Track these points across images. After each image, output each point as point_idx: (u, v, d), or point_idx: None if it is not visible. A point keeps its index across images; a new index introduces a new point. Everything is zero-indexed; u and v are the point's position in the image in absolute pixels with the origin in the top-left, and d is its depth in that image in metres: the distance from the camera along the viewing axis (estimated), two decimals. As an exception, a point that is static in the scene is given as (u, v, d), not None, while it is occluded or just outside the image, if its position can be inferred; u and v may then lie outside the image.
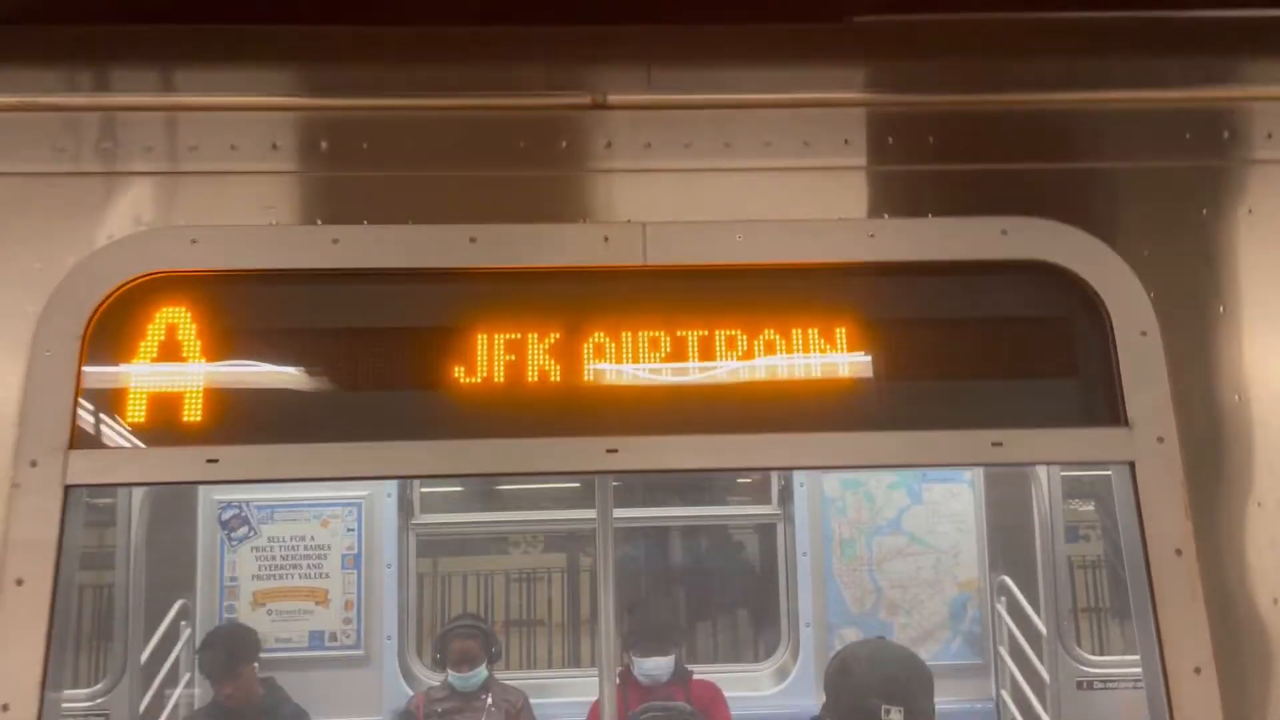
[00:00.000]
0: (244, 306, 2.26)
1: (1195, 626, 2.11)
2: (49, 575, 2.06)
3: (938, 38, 2.40)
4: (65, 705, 5.66)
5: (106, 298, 2.22)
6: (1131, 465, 2.20)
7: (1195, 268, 2.32)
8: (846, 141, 2.38)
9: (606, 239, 2.29)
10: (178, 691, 5.79)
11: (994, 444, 2.20)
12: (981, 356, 2.29)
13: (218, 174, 2.30)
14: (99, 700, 5.78)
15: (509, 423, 2.19)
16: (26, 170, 2.28)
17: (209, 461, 2.14)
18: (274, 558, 6.20)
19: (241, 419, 2.20)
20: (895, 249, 2.31)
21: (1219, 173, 2.38)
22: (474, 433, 2.18)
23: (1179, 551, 2.15)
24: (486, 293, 2.28)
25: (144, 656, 5.71)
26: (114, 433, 2.18)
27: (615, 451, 2.17)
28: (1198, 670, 2.08)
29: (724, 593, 7.39)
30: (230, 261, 2.26)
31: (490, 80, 2.36)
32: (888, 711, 2.42)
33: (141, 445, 2.18)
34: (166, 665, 5.90)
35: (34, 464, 2.11)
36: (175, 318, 2.24)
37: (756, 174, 2.35)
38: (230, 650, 5.38)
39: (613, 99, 2.35)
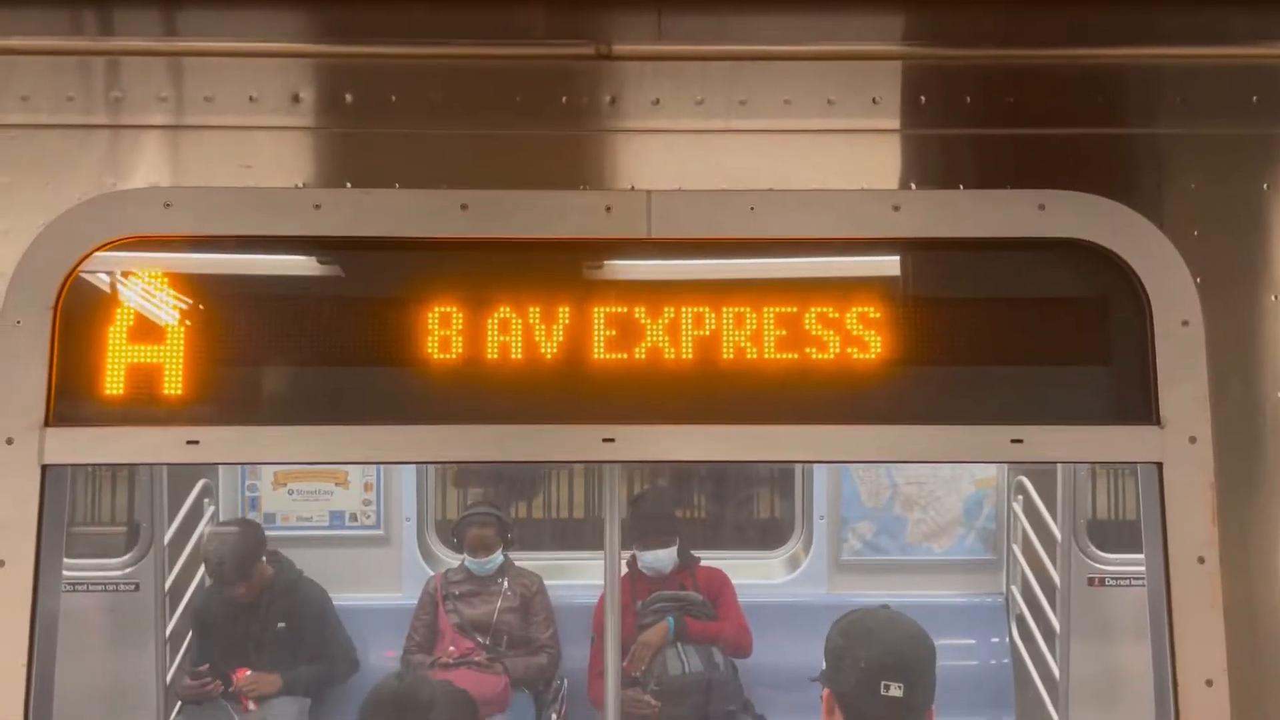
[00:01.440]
0: (220, 276, 2.13)
1: (1211, 637, 2.03)
2: (30, 556, 2.02)
3: None
4: (99, 574, 5.82)
5: (76, 265, 2.10)
6: (1159, 466, 2.07)
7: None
8: (875, 100, 2.16)
9: (608, 208, 2.12)
10: (203, 568, 5.94)
11: (1014, 440, 2.08)
12: (1006, 343, 2.14)
13: (192, 128, 2.13)
14: (128, 570, 5.95)
15: (500, 407, 2.09)
16: None
17: (189, 443, 2.06)
18: (293, 440, 6.23)
19: (222, 397, 2.11)
20: (920, 224, 2.13)
21: None
22: (461, 417, 2.08)
23: (1201, 559, 2.05)
24: (478, 265, 2.13)
25: (169, 534, 5.84)
26: (91, 409, 2.09)
27: (611, 441, 2.07)
28: (1209, 683, 2.02)
29: (739, 483, 7.42)
30: (206, 226, 2.12)
31: (484, 25, 2.15)
32: (887, 687, 2.38)
33: (120, 422, 2.09)
34: (191, 541, 6.03)
35: (10, 442, 2.04)
36: (150, 286, 2.12)
37: (774, 136, 2.15)
38: (238, 555, 5.45)
39: (619, 49, 2.14)
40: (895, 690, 2.39)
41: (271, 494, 6.21)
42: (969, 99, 2.15)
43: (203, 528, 6.14)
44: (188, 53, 2.14)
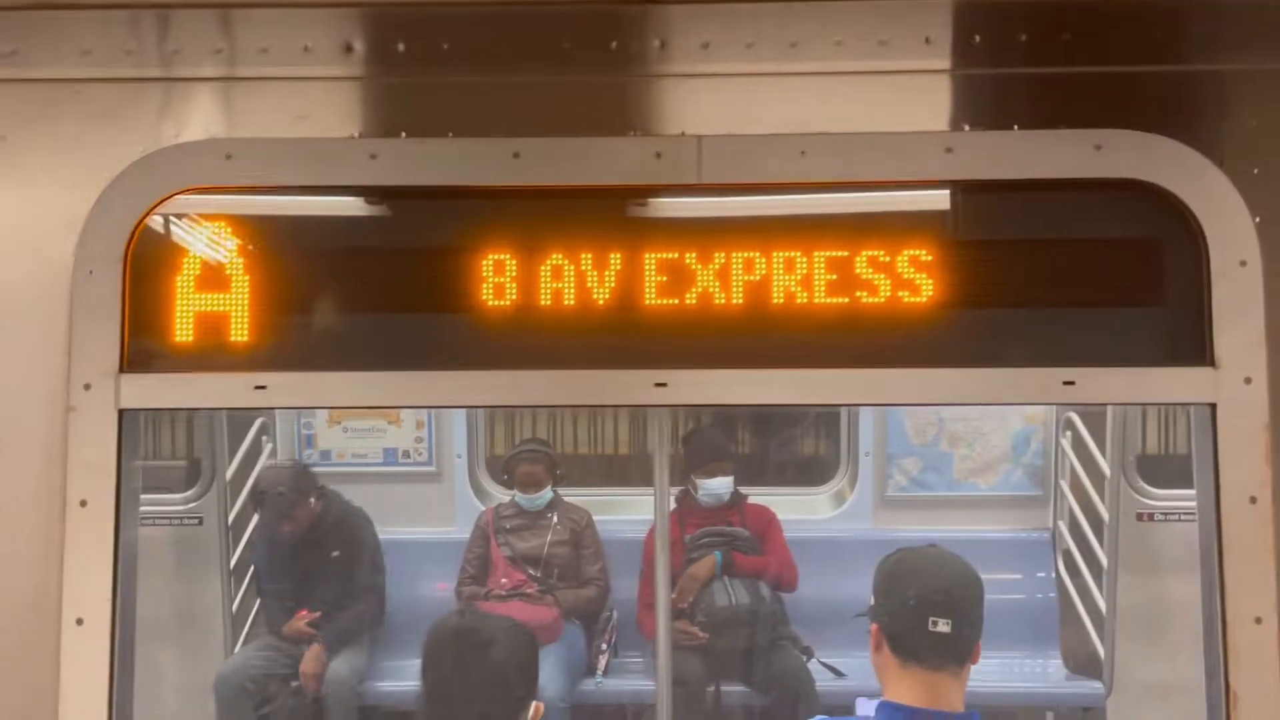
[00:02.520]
0: (281, 225, 2.19)
1: (1262, 575, 2.05)
2: (111, 496, 2.12)
3: None
4: (163, 509, 6.01)
5: (144, 216, 2.16)
6: (1213, 407, 2.07)
7: None
8: (928, 40, 2.14)
9: (659, 154, 2.13)
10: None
11: (1066, 382, 2.09)
12: (1059, 285, 2.13)
13: (248, 80, 2.17)
14: (192, 505, 6.16)
15: (554, 352, 2.13)
16: (55, 76, 2.17)
17: (257, 388, 2.13)
18: (346, 380, 6.36)
19: (286, 343, 2.17)
20: (974, 166, 2.11)
21: None
22: (516, 362, 2.12)
23: (1254, 499, 2.05)
24: (531, 213, 2.16)
25: (230, 471, 6.01)
26: (162, 356, 2.17)
27: (664, 385, 2.11)
28: (1259, 620, 2.04)
29: (784, 421, 7.45)
30: (266, 177, 2.17)
31: None
32: (934, 623, 2.43)
33: (190, 368, 2.17)
34: (251, 478, 6.21)
35: (88, 387, 2.13)
36: (214, 236, 2.18)
37: (825, 79, 2.14)
38: (287, 495, 5.58)
39: None
40: (943, 626, 2.43)
41: (326, 431, 6.36)
42: (1023, 37, 2.12)
43: (262, 463, 6.32)
44: (241, 4, 2.17)
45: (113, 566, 2.11)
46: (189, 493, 6.22)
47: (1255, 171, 2.09)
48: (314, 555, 5.57)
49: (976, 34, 2.13)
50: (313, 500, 5.60)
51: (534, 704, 2.37)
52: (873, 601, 2.59)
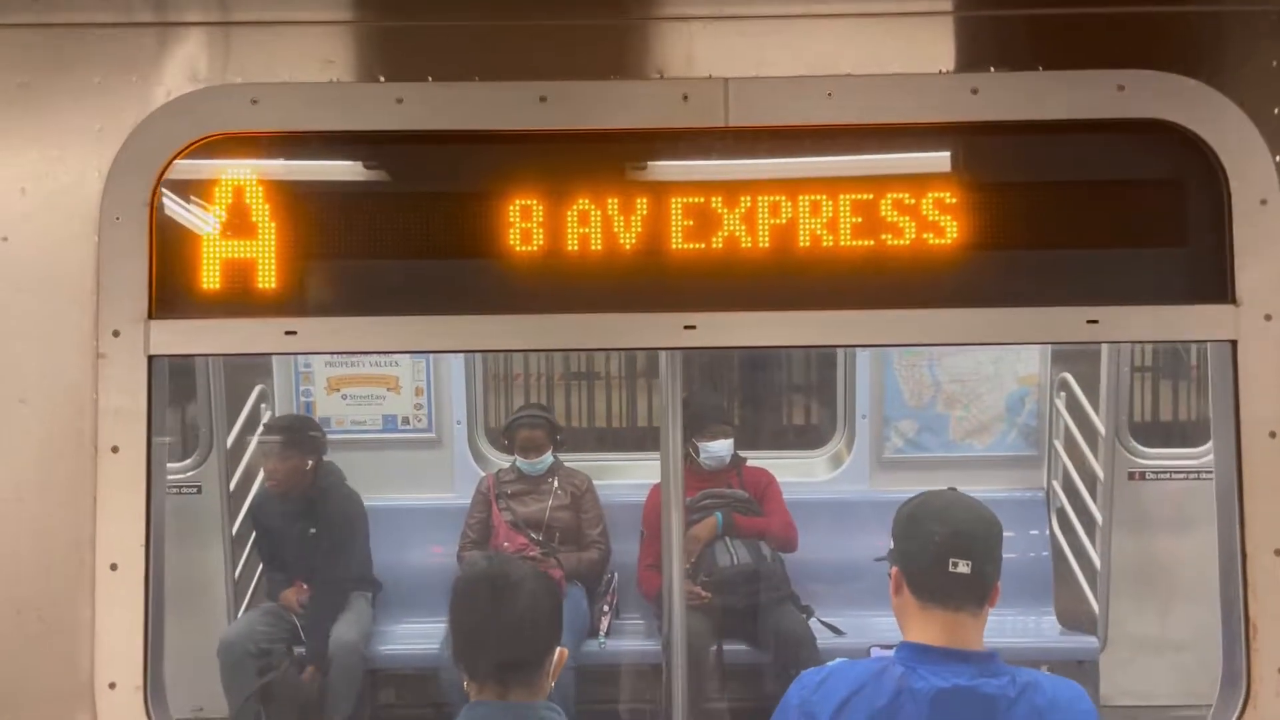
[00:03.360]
0: (307, 170, 2.18)
1: None
2: (143, 442, 2.12)
3: None
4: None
5: (169, 161, 2.15)
6: (1234, 344, 2.11)
7: None
8: None
9: (686, 97, 2.14)
10: (262, 473, 6.12)
11: (1089, 321, 2.12)
12: (1084, 225, 2.16)
13: (273, 24, 2.16)
14: (190, 473, 6.15)
15: (583, 296, 2.14)
16: (79, 21, 2.15)
17: (287, 333, 2.14)
18: (345, 346, 6.34)
19: (314, 288, 2.17)
20: (1000, 107, 2.13)
21: None
22: (545, 306, 2.14)
23: (1273, 434, 2.09)
24: (557, 157, 2.16)
25: (230, 439, 6.00)
26: (191, 302, 2.17)
27: (693, 328, 2.12)
28: (1278, 552, 2.08)
29: (782, 381, 7.49)
30: (292, 122, 2.16)
31: None
32: (955, 564, 2.46)
33: (219, 314, 2.17)
34: (250, 447, 6.20)
35: (116, 334, 2.13)
36: (241, 183, 2.17)
37: (851, 20, 2.15)
38: (279, 431, 5.64)
39: None
40: (963, 567, 2.46)
41: (326, 399, 6.35)
42: None
43: (260, 431, 6.32)
44: None
45: (145, 512, 2.12)
46: (187, 461, 6.21)
47: (1276, 111, 2.12)
48: (303, 524, 5.56)
49: None
50: (310, 462, 5.59)
51: (559, 649, 2.39)
52: (892, 545, 2.63)
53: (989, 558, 2.52)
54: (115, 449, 2.11)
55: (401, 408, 6.40)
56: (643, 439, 8.13)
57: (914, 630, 2.53)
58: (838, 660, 2.64)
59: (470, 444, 6.49)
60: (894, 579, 2.58)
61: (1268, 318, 2.10)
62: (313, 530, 5.49)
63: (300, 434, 5.66)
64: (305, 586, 5.53)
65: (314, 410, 6.36)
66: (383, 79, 2.16)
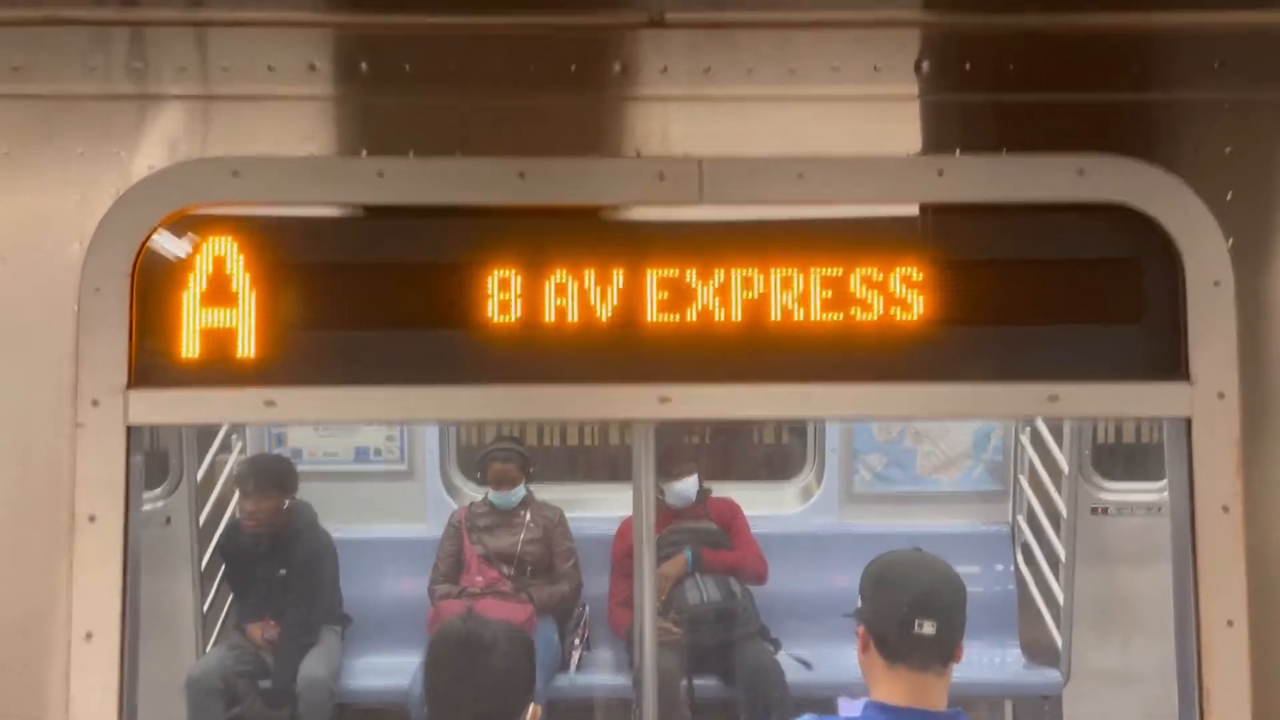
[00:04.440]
0: (288, 242, 2.21)
1: (1233, 581, 2.16)
2: (120, 511, 2.14)
3: None
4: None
5: (151, 232, 2.18)
6: (1188, 420, 2.18)
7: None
8: (920, 67, 2.22)
9: (661, 175, 2.19)
10: (233, 503, 6.10)
11: (1050, 398, 2.19)
12: (1044, 303, 2.23)
13: (255, 99, 2.19)
14: (160, 503, 6.10)
15: (559, 367, 2.18)
16: (61, 92, 2.18)
17: (267, 404, 2.16)
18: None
19: (295, 358, 2.20)
20: (964, 189, 2.20)
21: None
22: (522, 377, 2.17)
23: (1226, 508, 2.17)
24: (536, 231, 2.21)
25: (201, 470, 5.97)
26: (170, 372, 2.19)
27: (668, 400, 2.17)
28: (1230, 623, 2.15)
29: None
30: (273, 195, 2.19)
31: None
32: (920, 625, 2.52)
33: (199, 384, 2.19)
34: (223, 477, 6.18)
35: (95, 404, 2.14)
36: (222, 253, 2.20)
37: (822, 104, 2.21)
38: (258, 473, 5.63)
39: (671, 17, 2.19)
40: (928, 628, 2.53)
41: (298, 430, 6.34)
42: (1011, 66, 2.21)
43: (233, 463, 6.29)
44: (248, 23, 2.19)
45: (121, 581, 2.13)
46: (156, 491, 6.16)
47: (1229, 196, 2.20)
48: (273, 564, 5.55)
49: (967, 61, 2.21)
50: (285, 501, 5.59)
51: (532, 705, 2.43)
52: (859, 604, 2.68)
53: (954, 618, 2.58)
54: (92, 518, 2.13)
55: (374, 439, 6.41)
56: (616, 459, 8.16)
57: (880, 689, 2.59)
58: (804, 717, 2.69)
59: (443, 476, 6.49)
60: (861, 637, 2.64)
61: (1220, 395, 2.18)
62: (283, 571, 5.48)
63: (277, 474, 5.66)
64: (273, 624, 5.52)
65: (285, 441, 6.36)
66: (364, 153, 2.20)
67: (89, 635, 2.11)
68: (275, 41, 2.18)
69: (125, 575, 2.14)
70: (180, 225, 2.19)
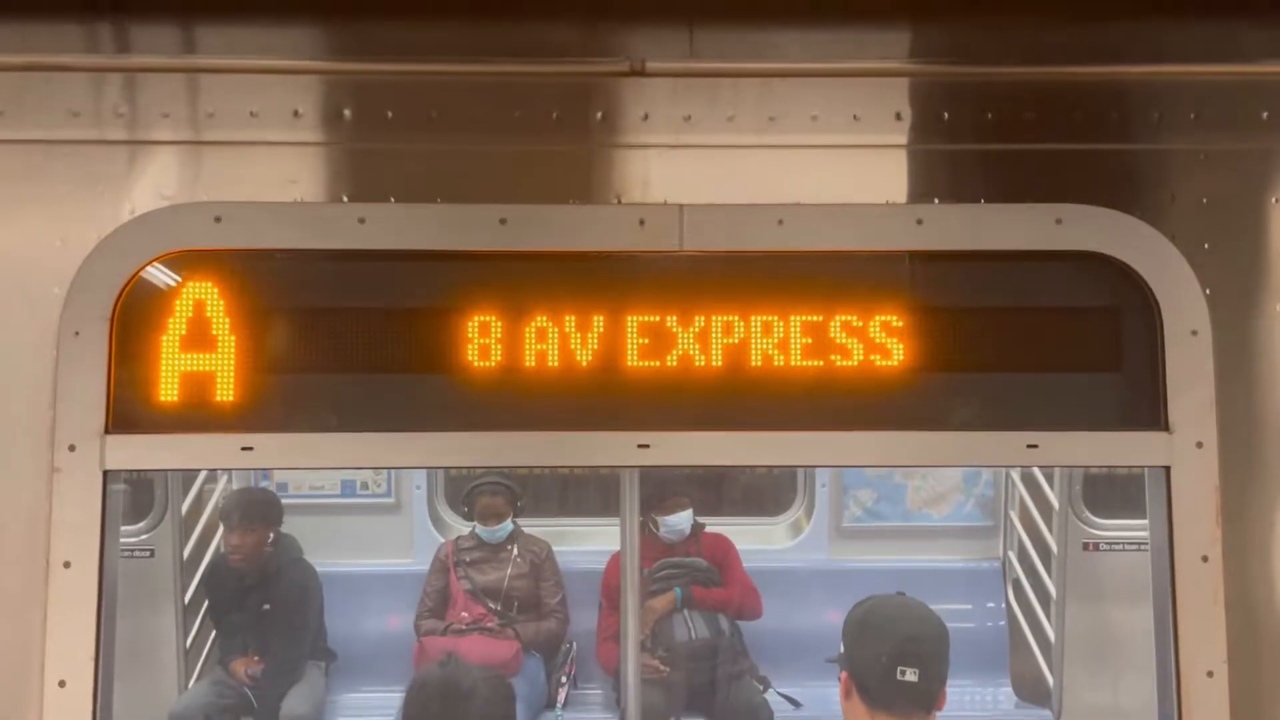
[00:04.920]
0: (269, 287, 2.21)
1: (1213, 631, 2.15)
2: (95, 557, 2.12)
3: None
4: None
5: (132, 277, 2.18)
6: (1167, 469, 2.18)
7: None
8: (898, 116, 2.24)
9: (642, 222, 2.20)
10: (217, 538, 6.06)
11: (1029, 446, 2.19)
12: (1023, 352, 2.24)
13: (239, 144, 2.20)
14: (144, 537, 6.06)
15: (539, 413, 2.18)
16: (44, 138, 2.18)
17: (244, 449, 2.16)
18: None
19: (273, 404, 2.19)
20: (943, 237, 2.21)
21: None
22: (502, 423, 2.17)
23: (1205, 558, 2.16)
24: (516, 277, 2.21)
25: (185, 505, 5.94)
26: (148, 417, 2.18)
27: (647, 447, 2.17)
28: (1210, 674, 2.14)
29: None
30: (255, 240, 2.20)
31: (523, 43, 2.21)
32: (903, 672, 2.51)
33: (176, 429, 2.18)
34: (207, 510, 6.14)
35: (72, 449, 2.13)
36: (203, 298, 2.20)
37: (802, 151, 2.23)
38: (243, 506, 5.60)
39: (652, 66, 2.21)
40: (911, 675, 2.51)
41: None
42: (989, 115, 2.23)
43: (218, 496, 6.26)
44: (235, 70, 2.20)
45: (95, 629, 2.11)
46: (140, 524, 6.12)
47: (1205, 246, 2.21)
48: (257, 598, 5.51)
49: (945, 111, 2.23)
50: (271, 534, 5.55)
51: None
52: (842, 649, 2.67)
53: (936, 665, 2.57)
54: (67, 564, 2.11)
55: (360, 472, 6.38)
56: (606, 487, 8.13)
57: (863, 736, 2.57)
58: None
59: (430, 509, 6.47)
60: (843, 684, 2.62)
61: (1199, 445, 2.18)
62: (267, 606, 5.44)
63: (262, 507, 5.63)
64: (257, 659, 5.47)
65: (272, 475, 6.33)
66: (346, 199, 2.21)
67: (62, 683, 2.09)
68: (259, 88, 2.19)
69: (99, 622, 2.12)
70: (161, 269, 2.19)
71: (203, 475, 6.13)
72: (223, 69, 2.19)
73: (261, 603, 5.45)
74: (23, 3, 2.17)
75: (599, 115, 2.22)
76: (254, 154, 2.20)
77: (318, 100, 2.21)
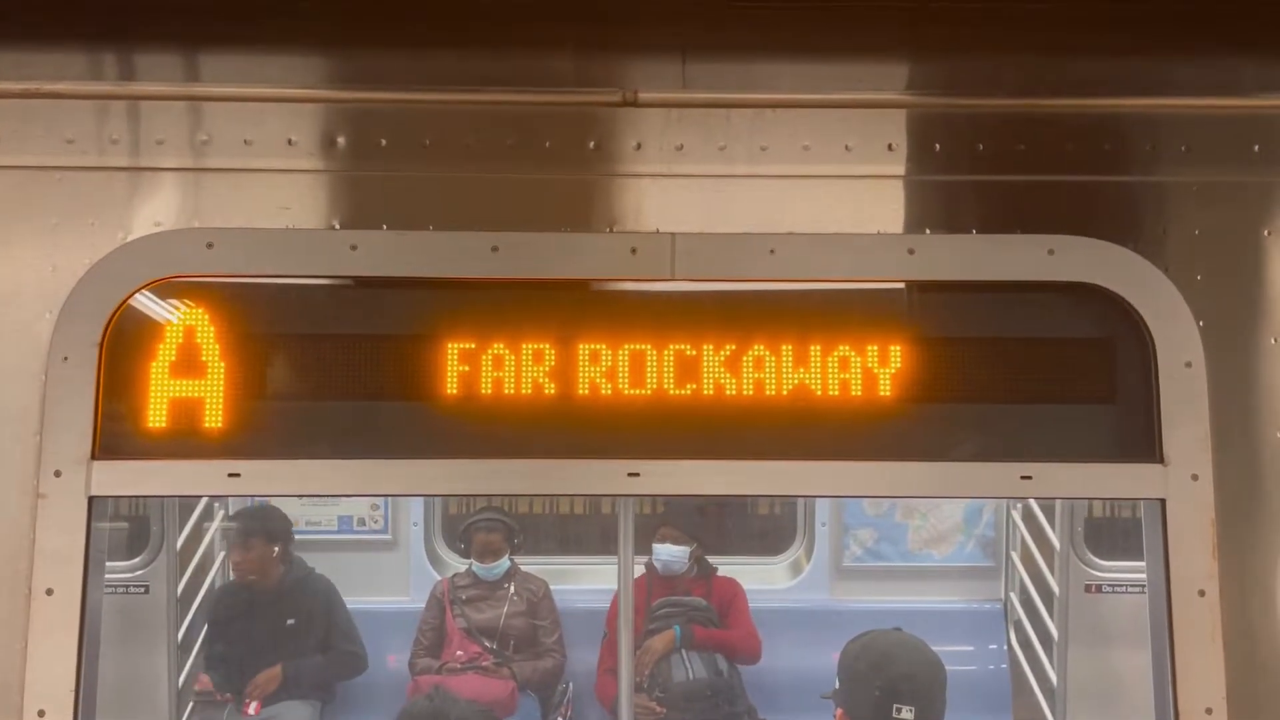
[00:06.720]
0: (260, 313, 2.21)
1: (1211, 667, 2.12)
2: (78, 584, 2.10)
3: (992, 32, 2.23)
4: (109, 576, 5.89)
5: (122, 303, 2.18)
6: (1162, 502, 2.16)
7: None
8: (890, 147, 2.24)
9: (634, 250, 2.20)
10: (213, 570, 6.02)
11: (1023, 477, 2.17)
12: (1016, 383, 2.22)
13: (232, 171, 2.21)
14: (139, 572, 6.01)
15: (530, 442, 2.17)
16: (37, 164, 2.19)
17: (231, 476, 2.14)
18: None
19: (261, 431, 2.18)
20: (935, 267, 2.21)
21: None
22: (493, 451, 2.15)
23: (1202, 592, 2.13)
24: (508, 305, 2.21)
25: (181, 539, 5.89)
26: (135, 443, 2.17)
27: (637, 475, 2.15)
28: (1209, 711, 2.10)
29: (743, 490, 7.48)
30: (246, 266, 2.20)
31: (515, 73, 2.22)
32: (899, 709, 2.48)
33: (164, 455, 2.17)
34: (203, 544, 6.10)
35: (58, 474, 2.12)
36: (193, 324, 2.19)
37: (793, 181, 2.23)
38: (248, 522, 5.58)
39: (644, 96, 2.22)
40: (906, 713, 2.48)
41: (281, 499, 6.28)
42: (981, 146, 2.24)
43: (213, 532, 6.22)
44: (227, 98, 2.21)
45: (76, 658, 2.09)
46: (135, 560, 6.07)
47: (1198, 278, 2.21)
48: (278, 616, 5.47)
49: (937, 142, 2.24)
50: (276, 549, 5.51)
51: None
52: (838, 685, 2.64)
53: (932, 702, 2.54)
54: (49, 591, 2.09)
55: (358, 508, 6.36)
56: (608, 528, 8.08)
57: (858, 774, 2.53)
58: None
59: (427, 546, 6.42)
60: (839, 720, 2.59)
61: (1194, 477, 2.16)
62: (291, 621, 5.39)
63: (263, 520, 5.60)
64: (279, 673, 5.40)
65: (269, 509, 6.29)
66: (338, 226, 2.21)
67: (41, 713, 2.06)
68: (254, 115, 2.21)
69: (81, 651, 2.09)
70: (152, 296, 2.19)
71: (199, 509, 6.10)
72: (217, 97, 2.21)
73: (284, 619, 5.40)
74: (20, 31, 2.19)
75: (592, 144, 2.23)
76: (248, 181, 2.21)
77: (312, 128, 2.22)
